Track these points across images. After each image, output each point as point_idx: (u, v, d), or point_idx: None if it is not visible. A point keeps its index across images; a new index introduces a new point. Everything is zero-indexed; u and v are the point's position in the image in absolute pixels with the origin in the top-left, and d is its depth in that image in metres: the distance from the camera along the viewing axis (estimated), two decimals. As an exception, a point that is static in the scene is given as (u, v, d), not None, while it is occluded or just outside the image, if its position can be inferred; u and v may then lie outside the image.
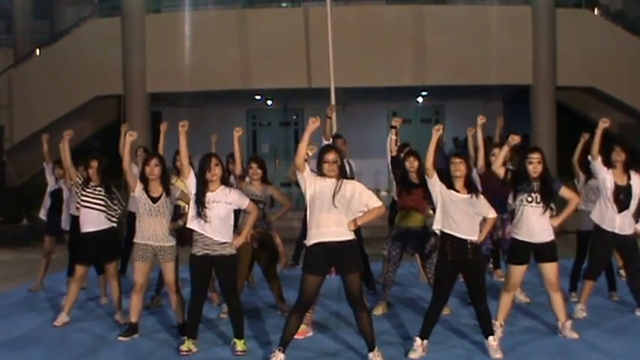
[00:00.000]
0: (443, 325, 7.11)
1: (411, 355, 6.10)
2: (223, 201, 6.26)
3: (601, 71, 16.33)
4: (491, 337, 6.20)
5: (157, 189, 6.82)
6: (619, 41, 16.64)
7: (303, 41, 16.01)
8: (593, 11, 17.31)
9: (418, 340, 6.18)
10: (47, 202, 9.39)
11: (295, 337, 6.40)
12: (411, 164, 7.53)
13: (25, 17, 19.73)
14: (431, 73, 16.28)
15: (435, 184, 6.18)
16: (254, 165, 7.57)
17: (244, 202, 6.43)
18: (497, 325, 6.48)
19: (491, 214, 6.20)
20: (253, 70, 16.28)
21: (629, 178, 7.18)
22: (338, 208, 5.77)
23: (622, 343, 6.57)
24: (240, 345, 6.29)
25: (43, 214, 9.51)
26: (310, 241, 5.86)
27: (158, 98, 17.45)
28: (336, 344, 6.63)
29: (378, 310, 7.69)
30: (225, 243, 6.24)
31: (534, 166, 6.43)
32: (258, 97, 20.15)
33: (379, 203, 5.89)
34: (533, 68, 16.11)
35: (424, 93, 19.97)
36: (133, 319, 6.91)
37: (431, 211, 7.26)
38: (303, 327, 6.61)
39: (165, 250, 6.78)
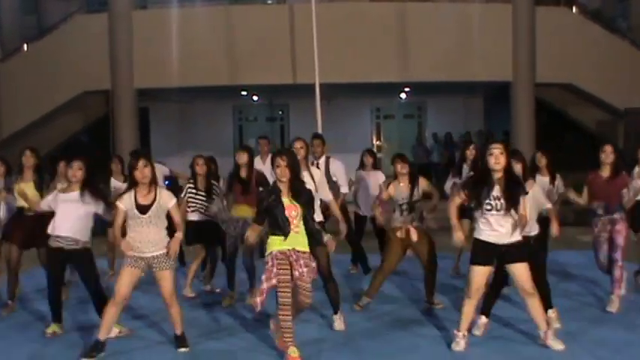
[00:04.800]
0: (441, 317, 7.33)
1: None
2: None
3: (579, 68, 16.72)
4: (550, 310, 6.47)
5: (146, 195, 6.06)
6: (597, 39, 17.05)
7: (288, 38, 16.24)
8: (572, 9, 17.69)
9: (483, 317, 6.42)
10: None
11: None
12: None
13: (12, 12, 19.80)
14: (414, 69, 16.57)
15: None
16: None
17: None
18: (460, 335, 6.02)
19: None
20: (239, 66, 16.51)
21: None
22: None
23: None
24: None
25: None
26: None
27: (146, 94, 17.65)
28: (318, 333, 6.70)
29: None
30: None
31: (496, 157, 5.81)
32: (244, 93, 20.38)
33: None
34: (513, 65, 16.44)
35: (407, 89, 20.27)
36: (102, 336, 6.05)
37: None
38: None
39: (160, 259, 6.08)
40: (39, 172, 7.51)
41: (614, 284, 7.23)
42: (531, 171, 7.27)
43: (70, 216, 6.44)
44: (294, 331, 5.78)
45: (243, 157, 7.68)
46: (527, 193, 6.01)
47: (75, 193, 6.48)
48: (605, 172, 7.23)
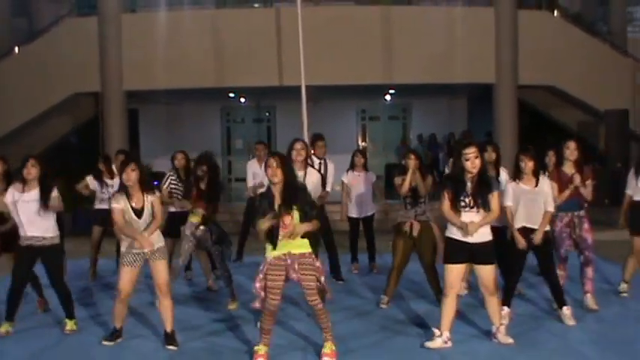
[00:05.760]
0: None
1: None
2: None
3: (561, 70, 16.99)
4: (564, 307, 6.80)
5: (137, 199, 6.28)
6: (578, 42, 17.36)
7: (274, 41, 16.44)
8: (553, 13, 18.02)
9: (506, 308, 6.62)
10: None
11: None
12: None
13: (3, 15, 19.90)
14: (399, 71, 16.80)
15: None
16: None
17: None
18: (438, 333, 6.12)
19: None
20: (227, 69, 16.71)
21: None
22: None
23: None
24: None
25: None
26: None
27: (135, 95, 17.82)
28: (305, 329, 6.77)
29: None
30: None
31: (472, 161, 5.97)
32: (231, 95, 20.60)
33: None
34: (496, 67, 16.72)
35: (392, 91, 20.52)
36: (117, 324, 6.47)
37: None
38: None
39: (155, 252, 6.30)
40: (8, 180, 7.13)
41: (587, 281, 7.38)
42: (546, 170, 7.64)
43: (33, 215, 6.52)
44: (270, 334, 5.85)
45: (203, 168, 7.65)
46: (498, 188, 6.22)
47: (34, 192, 6.56)
48: (569, 168, 7.28)
